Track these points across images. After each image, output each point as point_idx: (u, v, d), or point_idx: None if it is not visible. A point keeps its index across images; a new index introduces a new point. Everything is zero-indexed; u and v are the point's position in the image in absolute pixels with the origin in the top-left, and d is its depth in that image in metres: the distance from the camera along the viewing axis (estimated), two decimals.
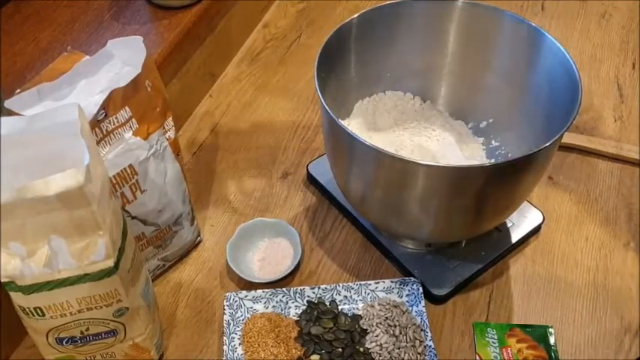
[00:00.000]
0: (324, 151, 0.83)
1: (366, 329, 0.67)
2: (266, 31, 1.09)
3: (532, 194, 0.78)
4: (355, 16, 0.72)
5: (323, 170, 0.81)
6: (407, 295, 0.70)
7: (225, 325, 0.67)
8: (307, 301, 0.70)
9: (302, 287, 0.70)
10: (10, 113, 0.56)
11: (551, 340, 0.67)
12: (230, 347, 0.66)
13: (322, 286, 0.70)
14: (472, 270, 0.72)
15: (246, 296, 0.69)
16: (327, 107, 0.62)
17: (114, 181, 0.60)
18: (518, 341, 0.67)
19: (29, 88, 0.57)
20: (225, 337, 0.66)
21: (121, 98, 0.59)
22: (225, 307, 0.68)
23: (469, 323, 0.69)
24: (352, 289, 0.70)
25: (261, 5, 1.11)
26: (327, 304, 0.69)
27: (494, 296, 0.72)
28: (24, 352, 0.67)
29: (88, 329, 0.56)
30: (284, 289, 0.70)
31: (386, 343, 0.65)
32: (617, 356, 0.67)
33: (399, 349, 0.65)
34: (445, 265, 0.72)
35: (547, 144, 0.59)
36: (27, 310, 0.53)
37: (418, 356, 0.64)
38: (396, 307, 0.68)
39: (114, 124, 0.59)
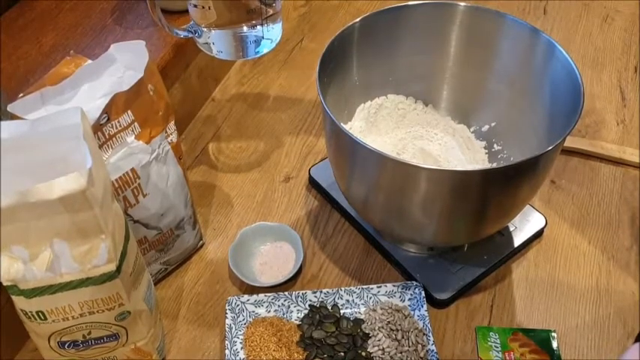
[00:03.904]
0: (327, 154, 0.83)
1: (368, 333, 0.67)
2: None
3: (534, 198, 0.78)
4: (357, 19, 0.72)
5: (325, 174, 0.81)
6: (409, 299, 0.69)
7: (227, 329, 0.67)
8: (309, 305, 0.69)
9: (304, 291, 0.70)
10: (13, 117, 0.56)
11: (554, 345, 0.67)
12: (232, 351, 0.66)
13: (324, 290, 0.70)
14: (474, 274, 0.72)
15: (248, 300, 0.69)
16: (329, 111, 0.62)
17: (116, 185, 0.61)
18: (520, 345, 0.67)
19: (32, 92, 0.57)
20: (227, 341, 0.66)
21: (124, 102, 0.59)
22: (227, 311, 0.68)
23: (471, 327, 0.69)
24: (354, 293, 0.70)
25: None
26: (329, 308, 0.69)
27: (496, 300, 0.72)
28: (26, 355, 0.67)
29: (90, 333, 0.56)
30: (286, 293, 0.70)
31: (388, 347, 0.65)
32: None
33: (401, 353, 0.65)
34: (447, 269, 0.72)
35: (549, 148, 0.59)
36: (29, 313, 0.53)
37: None
38: (398, 311, 0.68)
39: (116, 127, 0.59)
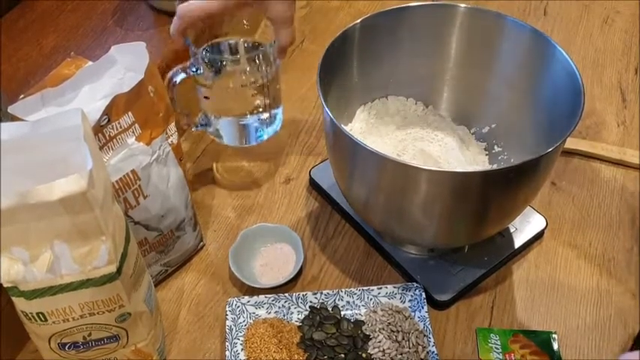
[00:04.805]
0: (327, 156, 0.83)
1: (369, 335, 0.67)
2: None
3: (535, 199, 0.78)
4: (358, 21, 0.72)
5: (325, 175, 0.81)
6: (410, 301, 0.69)
7: (227, 330, 0.67)
8: (310, 307, 0.69)
9: (304, 293, 0.70)
10: (14, 118, 0.56)
11: (555, 346, 0.67)
12: (232, 353, 0.66)
13: (325, 292, 0.70)
14: (475, 275, 0.72)
15: (248, 302, 0.69)
16: (329, 112, 0.62)
17: (117, 187, 0.61)
18: (521, 347, 0.67)
19: (33, 93, 0.58)
20: (227, 343, 0.66)
21: (124, 104, 0.59)
22: (228, 313, 0.68)
23: (472, 329, 0.69)
24: (355, 294, 0.70)
25: None
26: (330, 309, 0.69)
27: (497, 302, 0.72)
28: (27, 355, 0.67)
29: (90, 334, 0.56)
30: (286, 294, 0.70)
31: (389, 348, 0.65)
32: None
33: (401, 354, 0.65)
34: (448, 271, 0.72)
35: (550, 149, 0.59)
36: (29, 315, 0.53)
37: None
38: (398, 312, 0.68)
39: (117, 129, 0.59)
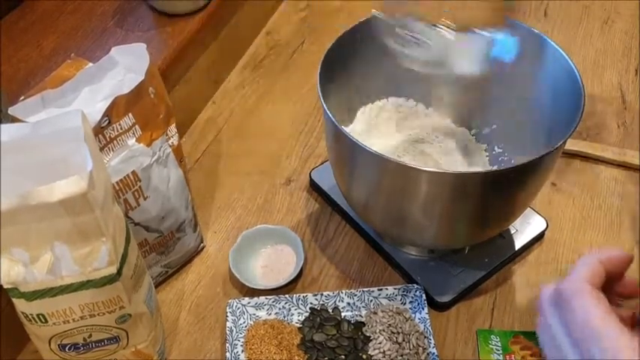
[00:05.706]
0: (327, 157, 0.83)
1: (369, 336, 0.67)
2: (269, 37, 1.09)
3: (535, 201, 0.78)
4: (358, 22, 0.72)
5: (326, 177, 0.81)
6: (410, 302, 0.69)
7: (227, 331, 0.67)
8: (310, 308, 0.69)
9: (305, 294, 0.70)
10: (14, 120, 0.56)
11: None
12: (233, 354, 0.66)
13: (325, 293, 0.70)
14: (475, 277, 0.72)
15: (248, 303, 0.69)
16: (329, 113, 0.62)
17: (117, 188, 0.61)
18: (522, 348, 0.67)
19: (33, 94, 0.58)
20: (227, 344, 0.66)
21: (125, 105, 0.59)
22: (228, 314, 0.68)
23: (472, 330, 0.69)
24: (355, 295, 0.70)
25: (265, 12, 1.12)
26: (330, 310, 0.69)
27: (497, 303, 0.72)
28: (27, 356, 0.67)
29: (90, 336, 0.56)
30: (287, 295, 0.70)
31: (389, 350, 0.65)
32: None
33: (402, 356, 0.65)
34: (448, 272, 0.72)
35: (550, 150, 0.59)
36: (30, 316, 0.53)
37: None
38: (399, 314, 0.68)
39: (117, 130, 0.59)
